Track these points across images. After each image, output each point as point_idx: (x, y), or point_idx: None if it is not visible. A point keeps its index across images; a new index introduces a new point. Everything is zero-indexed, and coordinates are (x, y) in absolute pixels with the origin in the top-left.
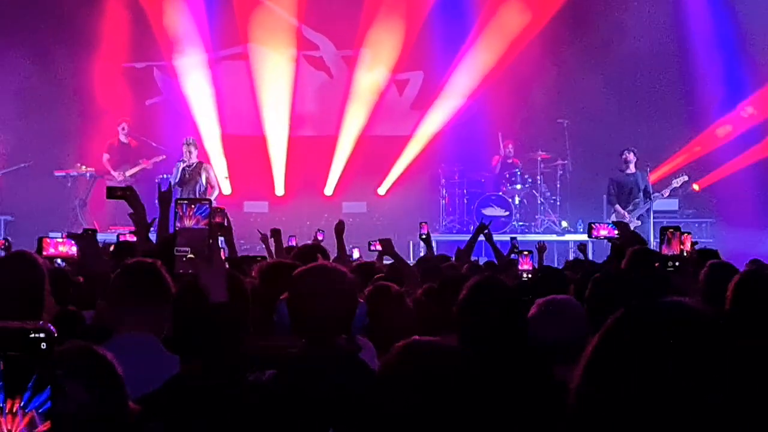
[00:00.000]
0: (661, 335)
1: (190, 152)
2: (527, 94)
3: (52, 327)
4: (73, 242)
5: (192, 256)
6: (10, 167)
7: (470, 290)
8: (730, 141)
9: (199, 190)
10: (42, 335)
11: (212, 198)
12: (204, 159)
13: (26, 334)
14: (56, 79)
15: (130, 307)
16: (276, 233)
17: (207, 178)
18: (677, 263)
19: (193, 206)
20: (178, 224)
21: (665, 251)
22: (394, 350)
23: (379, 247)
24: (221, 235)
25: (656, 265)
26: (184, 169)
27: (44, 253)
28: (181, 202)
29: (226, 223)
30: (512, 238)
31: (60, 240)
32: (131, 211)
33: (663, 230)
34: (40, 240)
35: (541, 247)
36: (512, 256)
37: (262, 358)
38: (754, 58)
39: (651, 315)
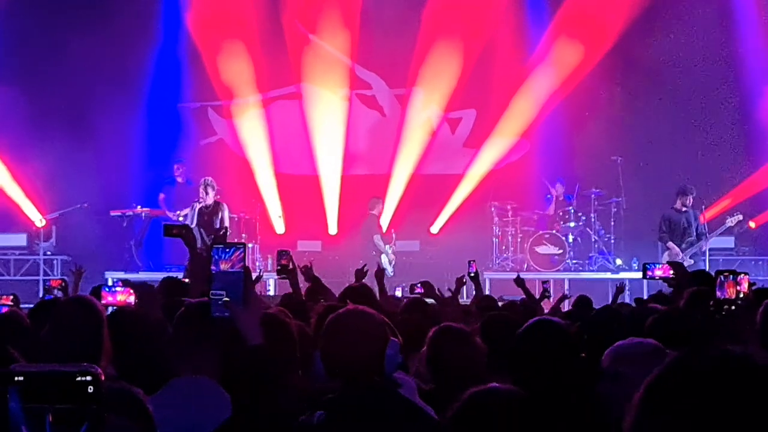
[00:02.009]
0: (709, 386)
1: (207, 192)
2: (580, 132)
3: (98, 369)
4: (130, 291)
5: (227, 299)
6: (67, 208)
7: (524, 333)
8: None
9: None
10: (89, 378)
11: None
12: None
13: (73, 377)
14: (112, 119)
15: (188, 350)
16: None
17: (221, 219)
18: (732, 307)
19: (229, 249)
20: (213, 268)
21: (719, 295)
22: (458, 402)
23: (421, 290)
24: (286, 278)
25: (710, 306)
26: (201, 209)
27: (102, 302)
28: (217, 246)
29: (291, 266)
30: (544, 282)
31: (119, 289)
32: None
33: (717, 274)
34: (97, 289)
35: (620, 287)
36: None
37: (310, 400)
38: None
39: (702, 364)
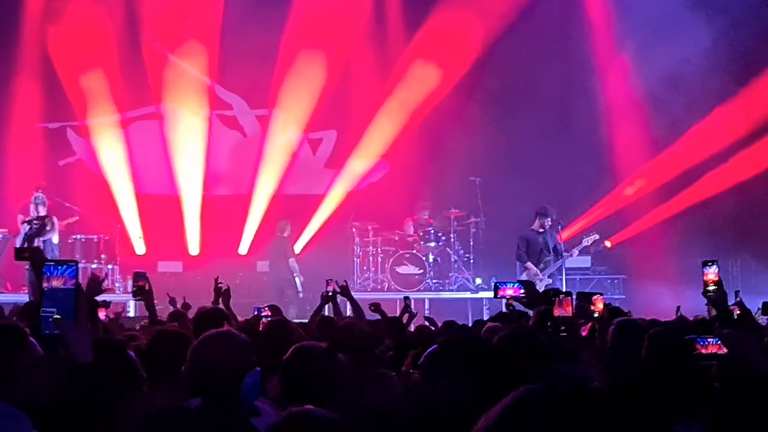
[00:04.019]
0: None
1: (38, 211)
2: (439, 153)
3: None
4: None
5: (58, 316)
6: None
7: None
8: (641, 197)
9: (49, 242)
10: None
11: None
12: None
13: None
14: None
15: None
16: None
17: (48, 228)
18: (567, 326)
19: (60, 267)
20: (45, 285)
21: (557, 313)
22: (279, 418)
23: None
24: (142, 299)
25: (549, 326)
26: (31, 223)
27: None
28: (49, 263)
29: (147, 288)
30: (405, 298)
31: None
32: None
33: (553, 294)
34: None
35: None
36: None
37: (155, 413)
38: (665, 115)
39: (544, 397)
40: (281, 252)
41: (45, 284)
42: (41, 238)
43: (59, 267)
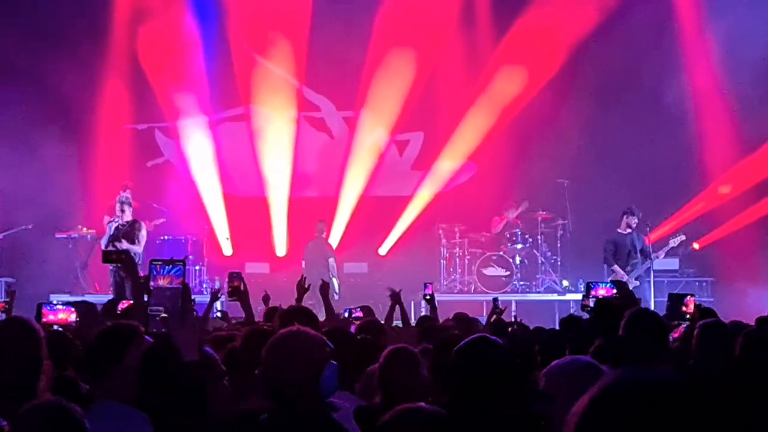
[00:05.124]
0: (640, 409)
1: (123, 210)
2: (527, 154)
3: (4, 423)
4: (72, 309)
5: (165, 315)
6: (11, 229)
7: (458, 353)
8: (731, 199)
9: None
10: None
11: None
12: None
13: None
14: (57, 141)
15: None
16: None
17: (137, 237)
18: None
19: (167, 266)
20: (152, 284)
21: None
22: (385, 419)
23: (359, 314)
24: (237, 300)
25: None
26: (118, 227)
27: (43, 320)
28: (156, 262)
29: (242, 288)
30: (495, 299)
31: (60, 307)
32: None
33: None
34: (39, 307)
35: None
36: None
37: (236, 420)
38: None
39: (634, 388)
40: (320, 253)
41: (152, 283)
42: (129, 247)
43: (166, 266)
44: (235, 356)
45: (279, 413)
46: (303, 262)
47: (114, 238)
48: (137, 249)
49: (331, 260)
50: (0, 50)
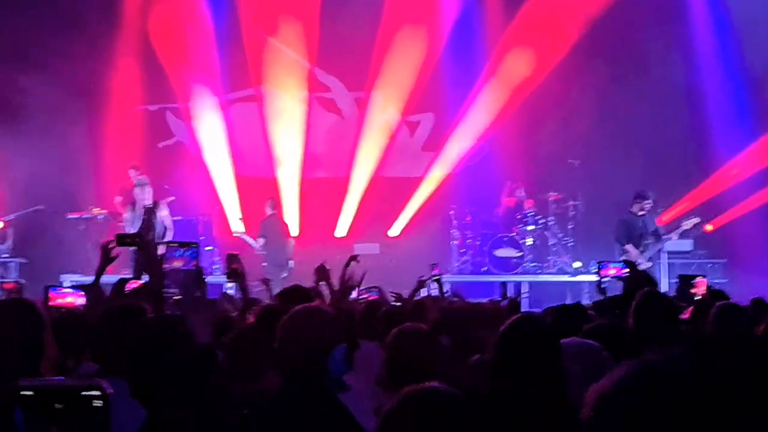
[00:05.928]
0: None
1: (144, 191)
2: (538, 135)
3: (105, 384)
4: (81, 293)
5: (179, 297)
6: (24, 210)
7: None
8: (743, 180)
9: (158, 231)
10: (95, 393)
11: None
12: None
13: (79, 392)
14: (69, 121)
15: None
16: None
17: (163, 219)
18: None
19: (182, 248)
20: (166, 266)
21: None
22: (395, 398)
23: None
24: (236, 281)
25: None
26: (144, 216)
27: (50, 303)
28: (172, 245)
29: (240, 270)
30: (502, 284)
31: (68, 290)
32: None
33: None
34: (46, 290)
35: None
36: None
37: (248, 399)
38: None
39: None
40: (278, 231)
41: (166, 265)
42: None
43: (180, 248)
44: (246, 336)
45: (286, 391)
46: (262, 239)
47: (148, 225)
48: (171, 228)
49: (291, 242)
50: (13, 32)
